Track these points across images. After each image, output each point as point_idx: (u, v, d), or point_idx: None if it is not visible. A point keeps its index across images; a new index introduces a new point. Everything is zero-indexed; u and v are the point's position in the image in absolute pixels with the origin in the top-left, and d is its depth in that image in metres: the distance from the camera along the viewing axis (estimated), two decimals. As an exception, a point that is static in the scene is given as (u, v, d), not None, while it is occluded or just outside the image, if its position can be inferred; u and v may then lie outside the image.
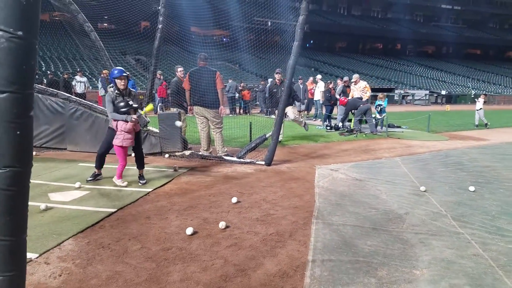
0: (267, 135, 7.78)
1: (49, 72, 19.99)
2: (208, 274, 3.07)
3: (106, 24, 18.86)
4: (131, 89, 5.81)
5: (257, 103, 21.15)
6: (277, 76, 9.78)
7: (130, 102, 5.45)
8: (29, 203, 1.88)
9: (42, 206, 4.45)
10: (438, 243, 3.74)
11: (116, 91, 5.58)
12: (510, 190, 5.72)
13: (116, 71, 5.55)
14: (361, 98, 12.00)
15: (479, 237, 3.91)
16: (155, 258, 3.32)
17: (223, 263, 3.26)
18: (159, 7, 7.98)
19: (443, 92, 33.40)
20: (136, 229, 3.97)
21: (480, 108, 14.95)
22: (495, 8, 61.65)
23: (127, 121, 5.38)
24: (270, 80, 17.13)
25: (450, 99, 34.81)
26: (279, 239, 3.82)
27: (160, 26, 8.05)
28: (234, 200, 4.94)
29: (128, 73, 5.71)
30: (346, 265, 3.26)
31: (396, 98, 30.89)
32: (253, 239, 3.80)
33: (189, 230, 3.85)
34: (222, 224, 4.05)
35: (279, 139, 9.08)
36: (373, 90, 15.27)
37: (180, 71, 8.63)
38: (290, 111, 9.48)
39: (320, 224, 4.23)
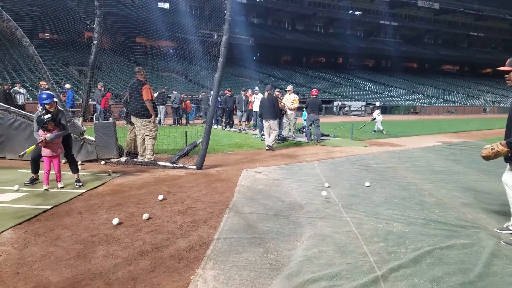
0: (197, 142, 8.49)
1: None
2: (127, 251, 3.74)
3: (48, 34, 18.67)
4: (60, 108, 6.37)
5: (201, 114, 21.71)
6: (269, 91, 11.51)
7: (45, 118, 5.93)
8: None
9: (-18, 205, 4.90)
10: (322, 224, 4.65)
11: (45, 112, 6.07)
12: (399, 185, 6.84)
13: (45, 96, 6.07)
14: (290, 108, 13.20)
15: (357, 219, 4.85)
16: (83, 242, 3.94)
17: (142, 244, 3.94)
18: (94, 25, 8.45)
19: (378, 104, 35.84)
20: (68, 222, 4.54)
21: (374, 119, 17.72)
22: (429, 25, 66.96)
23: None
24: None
25: (385, 110, 37.36)
26: (193, 225, 4.56)
27: (95, 42, 8.52)
28: (160, 197, 5.61)
29: (56, 99, 6.28)
30: (244, 240, 4.06)
31: (334, 109, 32.87)
32: (171, 226, 4.51)
33: (115, 221, 4.49)
34: (145, 216, 4.72)
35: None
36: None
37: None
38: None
39: (232, 213, 5.02)
